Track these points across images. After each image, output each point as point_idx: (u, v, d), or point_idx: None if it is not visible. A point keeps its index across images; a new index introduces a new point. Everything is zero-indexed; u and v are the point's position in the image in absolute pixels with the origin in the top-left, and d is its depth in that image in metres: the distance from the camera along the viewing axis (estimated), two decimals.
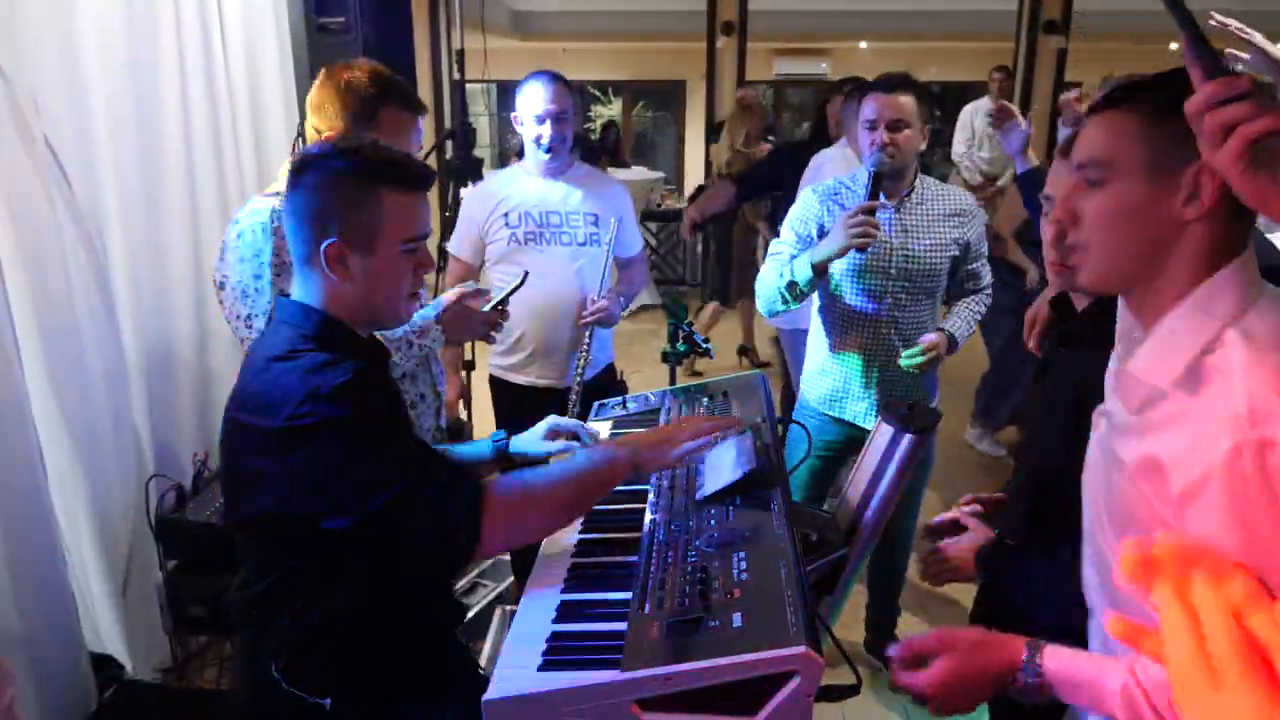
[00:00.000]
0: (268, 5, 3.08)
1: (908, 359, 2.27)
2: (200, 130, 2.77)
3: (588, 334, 2.60)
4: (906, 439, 1.36)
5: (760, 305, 2.36)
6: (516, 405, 2.78)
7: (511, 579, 3.09)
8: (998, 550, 1.38)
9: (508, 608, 2.86)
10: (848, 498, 1.45)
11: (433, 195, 4.20)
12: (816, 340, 2.50)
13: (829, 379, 2.46)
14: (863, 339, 2.37)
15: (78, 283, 2.30)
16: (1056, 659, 1.05)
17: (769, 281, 2.27)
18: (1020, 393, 4.39)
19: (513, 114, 2.66)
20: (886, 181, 2.25)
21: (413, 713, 1.45)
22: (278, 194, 1.83)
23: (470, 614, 2.93)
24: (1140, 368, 1.02)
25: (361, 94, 1.71)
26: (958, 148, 6.98)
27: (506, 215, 2.64)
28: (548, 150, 2.58)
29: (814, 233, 2.33)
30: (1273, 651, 0.50)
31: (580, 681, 1.00)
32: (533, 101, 2.56)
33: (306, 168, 1.32)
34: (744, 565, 1.16)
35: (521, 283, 2.02)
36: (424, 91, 5.12)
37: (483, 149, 10.54)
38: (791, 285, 2.19)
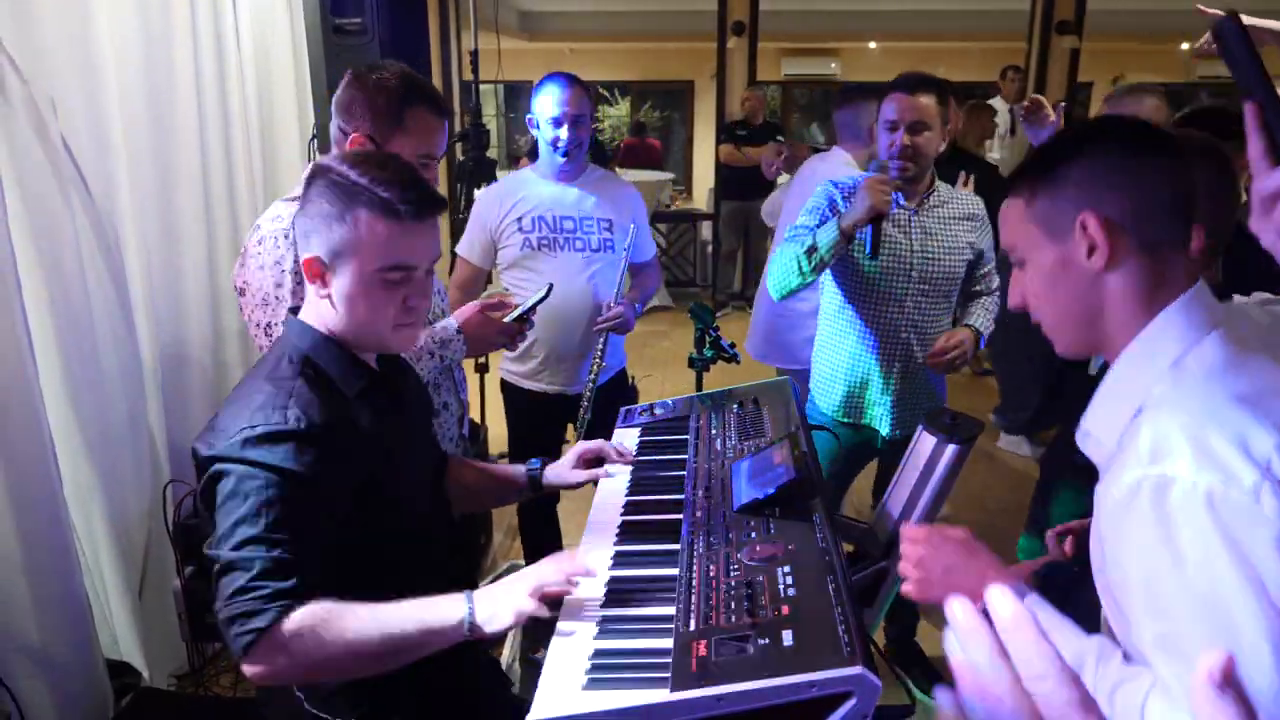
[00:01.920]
0: (282, 6, 3.06)
1: (933, 358, 2.24)
2: (213, 132, 2.75)
3: (601, 340, 2.57)
4: (951, 449, 1.33)
5: (773, 284, 2.26)
6: (528, 411, 2.76)
7: None
8: (1054, 572, 1.35)
9: None
10: (888, 509, 1.42)
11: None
12: (829, 346, 2.46)
13: (845, 384, 2.42)
14: (882, 342, 2.34)
15: (94, 285, 2.28)
16: (1041, 606, 1.05)
17: (786, 254, 2.19)
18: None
19: (527, 116, 2.63)
20: (906, 184, 2.22)
21: None
22: (299, 199, 1.80)
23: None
24: (1093, 424, 1.04)
25: (390, 95, 1.69)
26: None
27: (520, 219, 2.60)
28: (564, 154, 2.55)
29: (823, 221, 2.27)
30: None
31: (628, 702, 0.97)
32: (549, 104, 2.53)
33: (314, 177, 1.30)
34: (790, 580, 1.13)
35: (547, 294, 1.99)
36: None
37: (491, 150, 10.53)
38: (812, 250, 2.11)
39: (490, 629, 1.17)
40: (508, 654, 2.78)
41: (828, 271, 2.32)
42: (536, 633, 2.73)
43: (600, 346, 2.57)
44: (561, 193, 2.63)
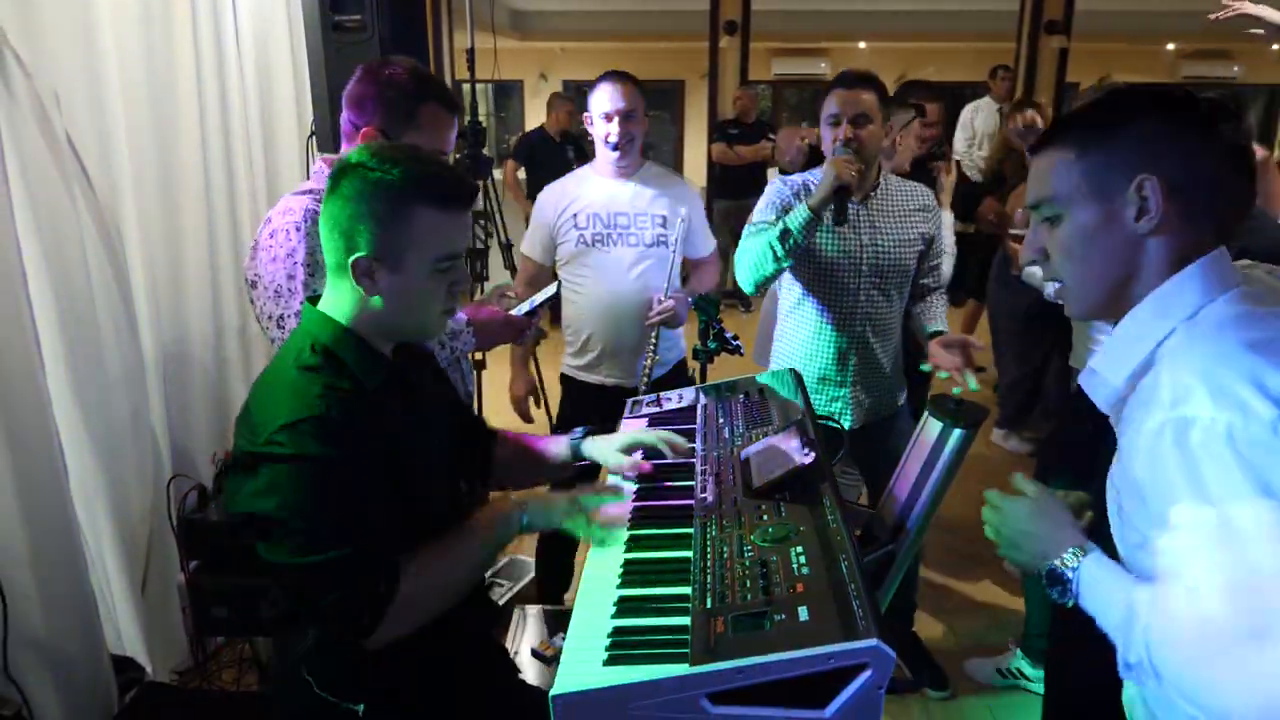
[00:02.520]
0: (281, 2, 3.07)
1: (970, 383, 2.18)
2: (213, 129, 2.76)
3: (654, 334, 2.61)
4: (956, 434, 1.35)
5: (745, 275, 2.26)
6: (588, 404, 2.80)
7: (531, 576, 3.08)
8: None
9: (527, 607, 2.85)
10: (894, 493, 1.45)
11: None
12: (787, 339, 2.49)
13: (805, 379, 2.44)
14: (837, 335, 2.37)
15: (98, 282, 2.29)
16: (1099, 561, 1.07)
17: (756, 243, 2.21)
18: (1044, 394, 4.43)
19: (584, 114, 2.70)
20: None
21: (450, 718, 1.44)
22: (310, 192, 1.81)
23: None
24: (1101, 365, 1.08)
25: (403, 91, 1.70)
26: (958, 147, 6.99)
27: (575, 216, 2.67)
28: (614, 148, 2.61)
29: (781, 215, 2.29)
30: None
31: (650, 675, 0.99)
32: (601, 100, 2.60)
33: (344, 174, 1.29)
34: (803, 560, 1.16)
35: (556, 293, 2.03)
36: None
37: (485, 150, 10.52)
38: (785, 233, 2.13)
39: (537, 529, 1.41)
40: (509, 647, 2.80)
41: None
42: (542, 626, 2.76)
43: (653, 341, 2.61)
44: (617, 189, 2.69)
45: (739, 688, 0.98)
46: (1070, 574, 1.06)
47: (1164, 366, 0.97)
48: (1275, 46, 9.89)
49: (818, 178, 2.35)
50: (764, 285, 2.24)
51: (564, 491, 1.48)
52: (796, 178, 2.42)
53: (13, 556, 1.99)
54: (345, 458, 1.23)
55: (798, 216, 2.13)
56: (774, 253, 2.15)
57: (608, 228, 2.66)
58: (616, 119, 2.58)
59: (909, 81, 3.47)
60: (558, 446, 1.68)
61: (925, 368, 2.26)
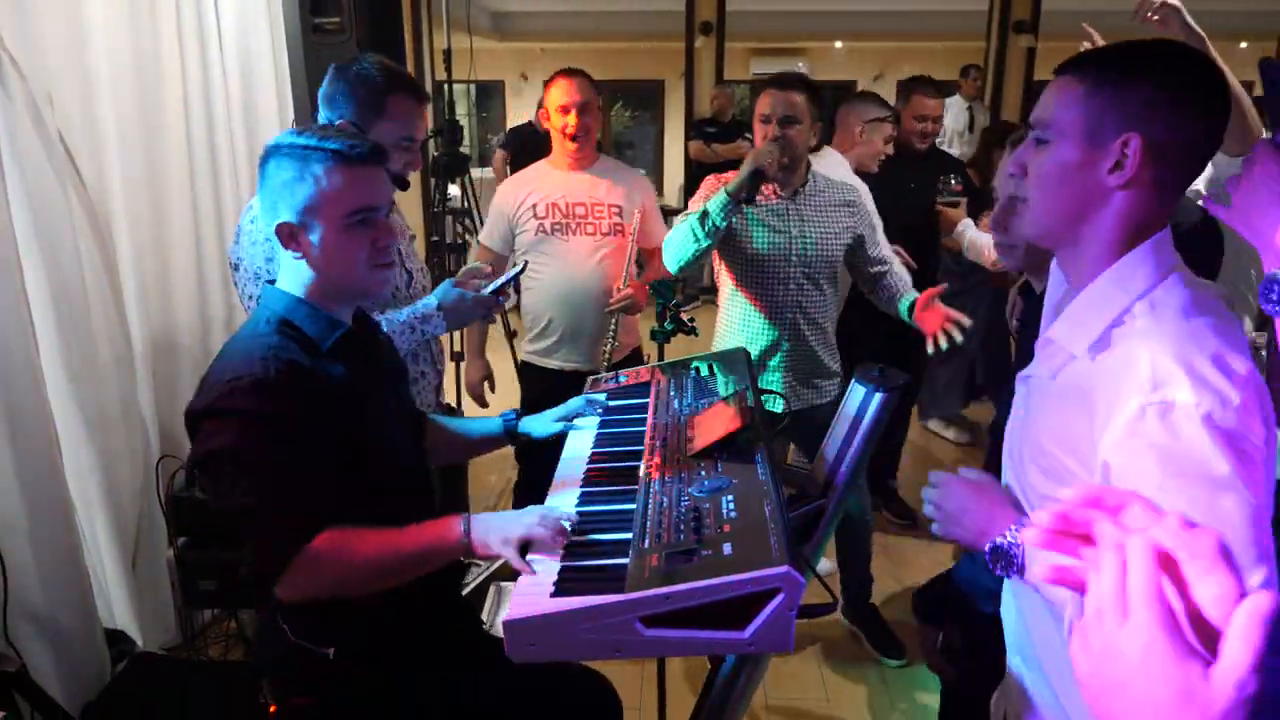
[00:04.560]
0: (262, 6, 3.18)
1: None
2: (199, 128, 2.87)
3: (614, 320, 2.75)
4: (878, 397, 1.49)
5: (669, 257, 2.38)
6: (548, 389, 2.88)
7: None
8: None
9: (503, 584, 2.97)
10: (824, 453, 1.59)
11: (419, 192, 4.34)
12: (726, 326, 2.64)
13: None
14: (770, 323, 2.52)
15: (89, 274, 2.40)
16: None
17: (681, 228, 2.34)
18: (961, 377, 4.57)
19: (539, 110, 2.85)
20: (781, 173, 2.37)
21: (414, 661, 1.54)
22: None
23: (465, 591, 3.04)
24: (1059, 334, 1.13)
25: (371, 85, 1.82)
26: None
27: (535, 207, 2.80)
28: (573, 139, 2.75)
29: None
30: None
31: (590, 602, 1.12)
32: (557, 95, 2.75)
33: (267, 154, 1.43)
34: (732, 506, 1.29)
35: (521, 270, 2.15)
36: None
37: (464, 148, 10.62)
38: (704, 215, 2.27)
39: (480, 551, 1.34)
40: (489, 620, 2.92)
41: (722, 261, 2.53)
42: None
43: (613, 327, 2.75)
44: (574, 180, 2.83)
45: (668, 611, 1.12)
46: (1015, 547, 1.11)
47: (1138, 347, 1.02)
48: (1243, 45, 10.08)
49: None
50: (687, 267, 2.36)
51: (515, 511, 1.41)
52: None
53: (12, 531, 2.11)
54: (275, 415, 1.32)
55: (716, 200, 2.28)
56: (694, 234, 2.29)
57: (566, 217, 2.80)
58: (573, 111, 2.72)
59: (914, 77, 3.57)
60: (488, 425, 1.81)
61: (930, 351, 2.38)
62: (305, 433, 1.34)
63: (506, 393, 3.18)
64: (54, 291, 2.27)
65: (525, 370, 3.01)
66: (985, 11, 7.59)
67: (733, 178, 2.29)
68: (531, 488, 3.05)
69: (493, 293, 2.03)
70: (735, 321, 2.59)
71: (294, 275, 1.46)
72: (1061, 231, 1.12)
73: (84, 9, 2.40)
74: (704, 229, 2.27)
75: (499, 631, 2.66)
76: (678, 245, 2.34)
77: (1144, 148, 1.02)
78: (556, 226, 2.79)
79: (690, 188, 7.81)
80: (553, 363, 2.91)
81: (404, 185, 1.91)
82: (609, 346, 2.74)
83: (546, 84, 2.84)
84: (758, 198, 2.36)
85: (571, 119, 2.74)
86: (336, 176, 1.39)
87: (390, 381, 1.62)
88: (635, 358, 2.99)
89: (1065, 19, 8.20)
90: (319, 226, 1.41)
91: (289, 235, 1.42)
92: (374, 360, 1.57)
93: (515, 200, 2.84)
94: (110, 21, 2.50)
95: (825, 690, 2.75)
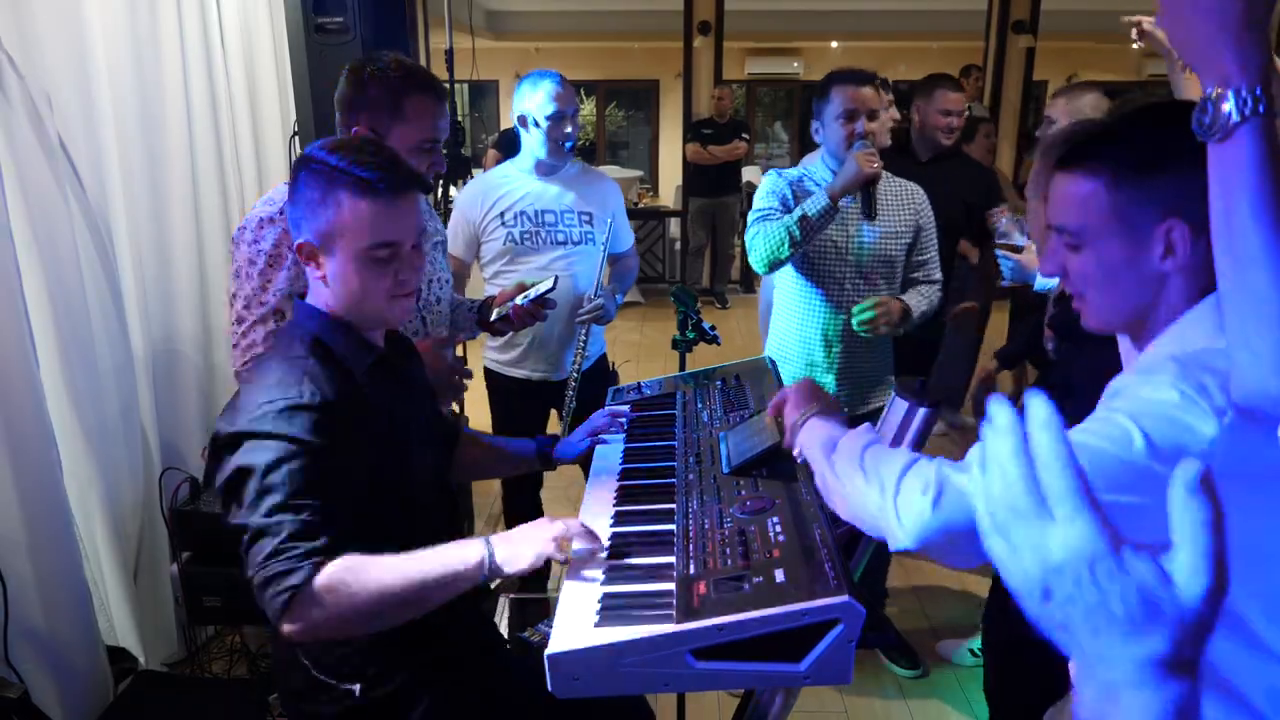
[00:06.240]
0: (264, 6, 3.12)
1: (859, 313, 2.35)
2: (201, 131, 2.81)
3: (584, 330, 2.67)
4: (921, 412, 1.43)
5: (758, 259, 2.36)
6: (512, 398, 2.84)
7: None
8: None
9: (510, 595, 2.91)
10: None
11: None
12: (780, 324, 2.59)
13: (794, 366, 2.54)
14: (824, 323, 2.47)
15: (90, 281, 2.33)
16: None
17: (771, 229, 2.30)
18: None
19: (516, 114, 2.70)
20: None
21: (442, 695, 1.48)
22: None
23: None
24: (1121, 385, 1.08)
25: (387, 86, 1.74)
26: None
27: (503, 215, 2.69)
28: (571, 146, 2.66)
29: (783, 204, 2.40)
30: None
31: (638, 634, 1.07)
32: (546, 100, 2.61)
33: (298, 165, 1.38)
34: (779, 528, 1.24)
35: (553, 287, 2.10)
36: None
37: (464, 150, 10.56)
38: (803, 219, 2.25)
39: (509, 569, 1.24)
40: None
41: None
42: (525, 614, 2.82)
43: (583, 337, 2.67)
44: (542, 187, 2.72)
45: (720, 644, 1.06)
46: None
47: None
48: None
49: (812, 172, 2.47)
50: (777, 267, 2.35)
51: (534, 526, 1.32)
52: (793, 171, 2.52)
53: (11, 547, 2.04)
54: (305, 448, 1.25)
55: (816, 203, 2.25)
56: (791, 237, 2.27)
57: (536, 225, 2.69)
58: (560, 119, 2.61)
59: (932, 75, 3.55)
60: (526, 448, 1.77)
61: (855, 320, 2.37)
62: (334, 461, 1.29)
63: (470, 399, 3.09)
64: (53, 298, 2.20)
65: (489, 378, 2.89)
66: (984, 11, 7.57)
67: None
68: (519, 486, 3.01)
69: (535, 300, 2.00)
70: (790, 320, 2.54)
71: (316, 291, 1.42)
72: (1129, 320, 1.10)
73: (84, 9, 2.33)
74: (802, 231, 2.27)
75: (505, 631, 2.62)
76: (772, 247, 2.31)
77: (1191, 231, 0.99)
78: (526, 235, 2.68)
79: (689, 188, 7.79)
80: (518, 372, 2.80)
81: (427, 189, 1.84)
82: (578, 357, 2.66)
83: (522, 83, 2.70)
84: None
85: (567, 126, 2.63)
86: (362, 207, 1.32)
87: (420, 401, 1.57)
88: (602, 366, 2.91)
89: (1065, 19, 8.24)
90: (338, 253, 1.35)
91: (310, 255, 1.37)
92: (406, 381, 1.52)
93: (482, 206, 2.71)
94: (110, 21, 2.43)
95: (843, 704, 2.70)
